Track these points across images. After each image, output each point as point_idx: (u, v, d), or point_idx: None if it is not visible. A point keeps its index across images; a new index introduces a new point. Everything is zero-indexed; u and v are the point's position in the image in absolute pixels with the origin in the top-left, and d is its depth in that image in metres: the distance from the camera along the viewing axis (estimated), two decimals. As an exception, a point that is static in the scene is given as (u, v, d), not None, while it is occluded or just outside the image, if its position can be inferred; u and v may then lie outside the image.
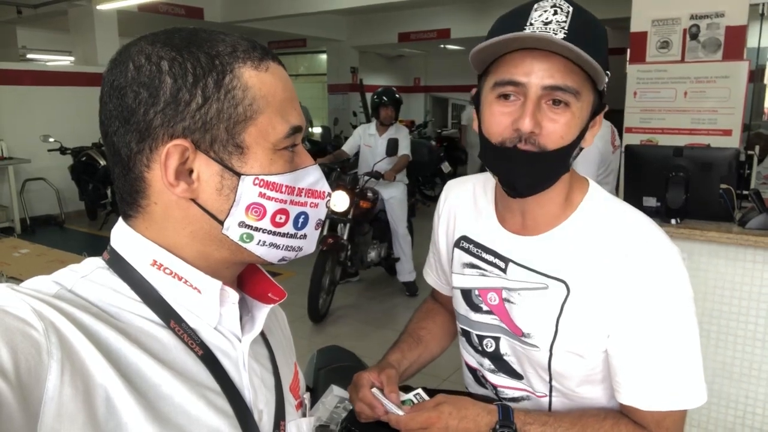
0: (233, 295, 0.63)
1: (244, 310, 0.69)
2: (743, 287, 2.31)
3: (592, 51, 0.76)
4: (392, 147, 4.47)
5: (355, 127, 9.80)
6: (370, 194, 4.57)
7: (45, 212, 7.36)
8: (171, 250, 0.61)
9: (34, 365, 0.46)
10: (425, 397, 0.96)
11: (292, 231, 0.63)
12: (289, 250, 0.65)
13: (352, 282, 5.08)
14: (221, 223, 0.60)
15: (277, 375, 0.70)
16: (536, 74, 0.79)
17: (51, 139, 6.68)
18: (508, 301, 0.96)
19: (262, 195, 0.60)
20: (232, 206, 0.59)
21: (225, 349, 0.63)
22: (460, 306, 1.05)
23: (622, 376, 0.88)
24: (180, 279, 0.60)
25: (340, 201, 4.29)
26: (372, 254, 4.79)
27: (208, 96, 0.57)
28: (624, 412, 0.91)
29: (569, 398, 0.95)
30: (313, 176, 0.65)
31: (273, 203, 0.61)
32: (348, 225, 4.38)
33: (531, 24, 0.79)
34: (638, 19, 3.98)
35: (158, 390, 0.55)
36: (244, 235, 0.61)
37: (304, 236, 0.65)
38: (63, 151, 6.85)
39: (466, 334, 1.05)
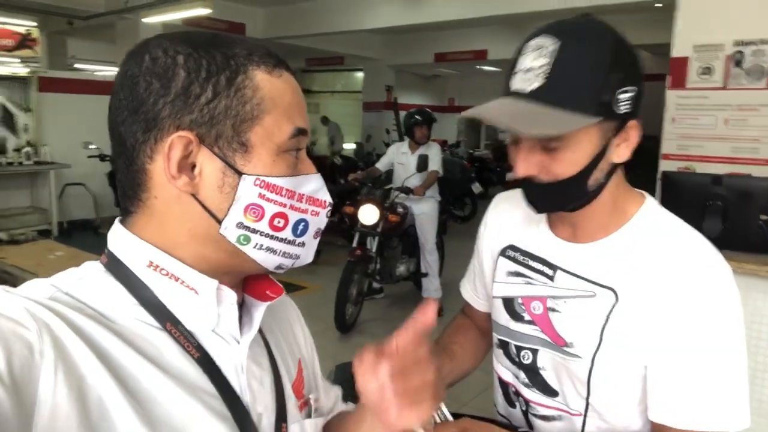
0: (231, 295, 0.62)
1: (243, 310, 0.68)
2: (783, 324, 2.20)
3: (570, 94, 0.78)
4: (422, 163, 4.49)
5: (387, 144, 9.88)
6: (399, 209, 4.60)
7: (82, 216, 7.57)
8: (170, 249, 0.60)
9: (27, 366, 0.46)
10: (445, 411, 0.93)
11: (291, 237, 0.62)
12: (286, 257, 0.63)
13: (377, 298, 5.07)
14: (220, 222, 0.59)
15: (277, 376, 0.69)
16: None
17: (92, 146, 6.88)
18: (553, 310, 0.94)
19: (261, 196, 0.59)
20: (231, 205, 0.59)
21: (222, 351, 0.62)
22: (500, 315, 1.03)
23: (659, 391, 0.85)
24: (176, 280, 0.60)
25: (369, 214, 4.31)
26: (401, 268, 4.81)
27: (219, 92, 0.57)
28: None
29: (604, 420, 0.92)
30: (315, 184, 0.64)
31: (272, 205, 0.60)
32: (377, 238, 4.39)
33: (515, 73, 0.83)
34: (680, 45, 3.90)
35: (152, 393, 0.54)
36: (242, 237, 0.60)
37: (303, 244, 0.64)
38: (102, 157, 7.06)
39: (504, 346, 1.03)
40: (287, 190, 0.61)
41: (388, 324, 4.59)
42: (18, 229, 6.75)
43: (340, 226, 6.62)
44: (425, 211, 4.76)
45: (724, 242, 2.36)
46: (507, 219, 1.08)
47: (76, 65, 11.18)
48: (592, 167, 0.84)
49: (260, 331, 0.69)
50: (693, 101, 3.86)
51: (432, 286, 4.78)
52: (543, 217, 1.00)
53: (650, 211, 0.93)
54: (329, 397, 0.85)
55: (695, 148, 3.88)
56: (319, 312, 4.26)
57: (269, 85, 0.60)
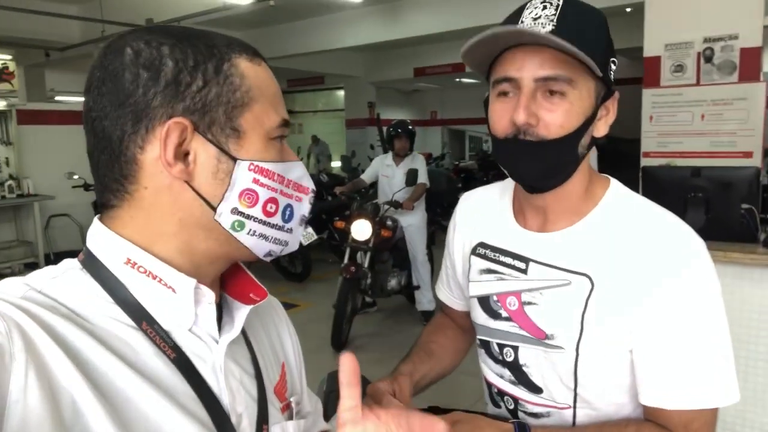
0: (209, 295, 0.61)
1: (225, 311, 0.67)
2: (771, 310, 2.23)
3: (579, 39, 0.77)
4: (412, 177, 4.50)
5: (371, 159, 9.91)
6: (390, 223, 4.60)
7: (69, 248, 7.47)
8: (152, 242, 0.59)
9: None
10: None
11: (281, 223, 0.64)
12: (276, 243, 0.65)
13: (370, 312, 5.05)
14: (214, 209, 0.59)
15: (259, 377, 0.68)
16: (527, 68, 0.81)
17: (75, 176, 6.81)
18: (529, 303, 0.93)
19: (255, 181, 0.60)
20: (226, 191, 0.59)
21: (200, 352, 0.61)
22: (479, 315, 1.02)
23: (647, 374, 0.85)
24: (154, 278, 0.59)
25: (362, 229, 4.29)
26: (392, 282, 4.78)
27: (208, 80, 0.58)
28: (648, 417, 0.86)
29: (594, 408, 0.91)
30: (299, 170, 0.66)
31: (265, 191, 0.61)
32: (368, 253, 4.38)
33: (522, 22, 0.82)
34: (651, 44, 3.98)
35: (126, 394, 0.53)
36: (236, 223, 0.60)
37: (290, 230, 0.65)
38: (87, 187, 6.98)
39: (486, 345, 1.02)
40: (278, 175, 0.62)
41: (382, 338, 4.56)
42: (4, 263, 6.66)
43: (330, 242, 6.60)
44: (413, 223, 4.77)
45: (708, 233, 2.38)
46: (475, 216, 1.07)
47: (57, 98, 11.13)
48: (584, 129, 0.84)
49: (244, 332, 0.68)
50: (668, 99, 3.94)
51: (425, 298, 4.77)
52: (510, 211, 1.00)
53: (617, 193, 0.93)
54: (311, 404, 0.83)
55: (675, 145, 3.94)
56: (313, 329, 4.23)
57: (253, 73, 0.62)
